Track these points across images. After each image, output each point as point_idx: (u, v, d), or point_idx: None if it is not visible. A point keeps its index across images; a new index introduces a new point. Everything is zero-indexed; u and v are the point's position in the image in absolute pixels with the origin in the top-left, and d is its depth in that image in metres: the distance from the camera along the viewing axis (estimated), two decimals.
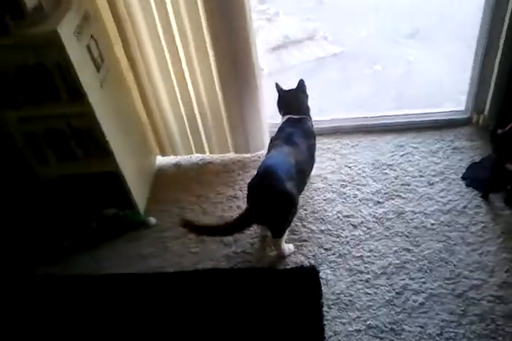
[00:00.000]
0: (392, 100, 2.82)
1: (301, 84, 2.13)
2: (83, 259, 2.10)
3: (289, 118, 2.09)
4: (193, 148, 2.39)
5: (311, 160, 2.09)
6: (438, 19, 3.35)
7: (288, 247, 1.99)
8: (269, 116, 2.38)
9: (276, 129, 2.10)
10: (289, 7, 3.85)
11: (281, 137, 2.02)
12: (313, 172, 2.27)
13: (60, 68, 1.75)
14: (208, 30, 2.00)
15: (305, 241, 2.04)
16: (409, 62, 3.17)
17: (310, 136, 2.08)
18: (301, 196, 2.17)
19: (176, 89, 2.18)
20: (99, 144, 1.94)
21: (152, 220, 2.19)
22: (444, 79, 2.88)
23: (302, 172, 1.96)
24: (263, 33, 3.60)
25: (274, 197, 1.82)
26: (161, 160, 2.50)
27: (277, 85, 2.14)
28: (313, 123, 2.38)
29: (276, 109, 2.19)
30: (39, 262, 2.11)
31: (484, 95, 2.23)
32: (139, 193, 2.21)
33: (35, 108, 1.87)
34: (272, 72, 3.17)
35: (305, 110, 2.14)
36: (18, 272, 2.09)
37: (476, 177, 2.14)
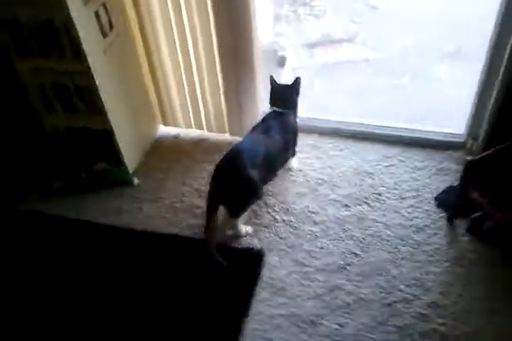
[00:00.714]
0: (406, 113, 2.84)
1: (296, 81, 2.23)
2: (66, 203, 2.34)
3: (274, 110, 2.20)
4: (193, 123, 2.55)
5: (284, 154, 2.19)
6: (484, 41, 3.31)
7: (246, 228, 2.13)
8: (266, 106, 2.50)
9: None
10: (339, 7, 3.89)
11: (260, 126, 2.14)
12: (297, 166, 2.40)
13: (66, 28, 1.94)
14: (211, 7, 2.11)
15: (265, 227, 2.17)
16: (440, 79, 3.15)
17: (289, 130, 2.18)
18: (277, 186, 2.31)
19: (181, 63, 2.34)
20: (97, 102, 2.14)
21: (135, 181, 2.39)
22: (463, 101, 2.87)
23: (271, 163, 2.08)
24: (306, 28, 3.68)
25: (233, 179, 1.96)
26: (162, 129, 2.68)
27: (272, 78, 2.25)
28: (316, 120, 2.50)
29: None
30: (27, 198, 2.37)
31: (480, 122, 2.23)
32: (130, 154, 2.40)
33: (45, 60, 2.09)
34: (299, 67, 3.26)
35: (292, 106, 2.24)
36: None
37: (448, 201, 2.17)
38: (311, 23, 3.77)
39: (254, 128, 2.18)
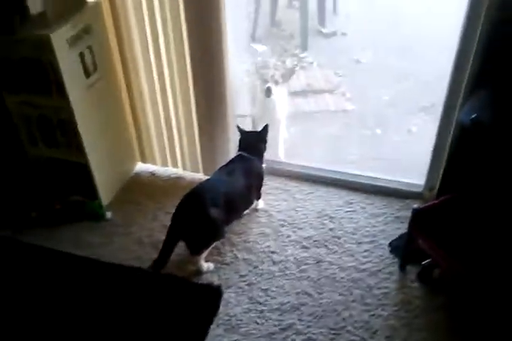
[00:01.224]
0: (373, 162, 2.98)
1: (265, 129, 2.40)
2: (41, 233, 2.44)
3: (240, 154, 2.35)
4: (169, 162, 2.71)
5: (247, 197, 2.33)
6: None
7: (208, 265, 2.23)
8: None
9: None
10: (325, 60, 4.13)
11: (225, 168, 2.29)
12: (262, 207, 2.52)
13: (52, 67, 2.12)
14: (189, 56, 2.30)
15: (226, 264, 2.27)
16: (411, 132, 3.32)
17: (253, 174, 2.33)
18: (242, 226, 2.44)
19: (160, 104, 2.52)
20: (76, 137, 2.30)
21: (109, 215, 2.51)
22: (429, 154, 3.01)
23: (233, 203, 2.21)
24: (291, 78, 3.89)
25: (193, 216, 2.08)
26: (140, 165, 2.83)
27: (238, 127, 2.43)
28: (285, 164, 2.64)
29: None
30: (4, 225, 2.48)
31: (437, 174, 2.38)
32: (106, 188, 2.54)
33: (31, 96, 2.28)
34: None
35: (259, 152, 2.40)
36: None
37: (400, 247, 2.28)
38: (297, 73, 3.99)
39: (219, 170, 2.32)
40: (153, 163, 2.78)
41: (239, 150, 2.38)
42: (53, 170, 2.56)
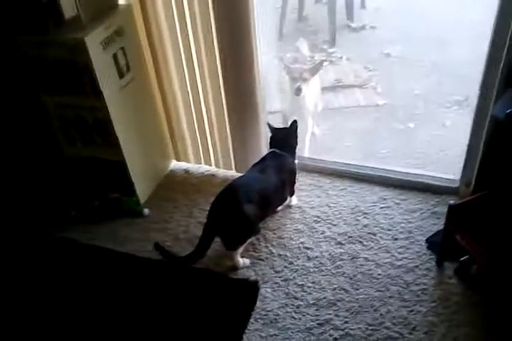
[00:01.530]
0: (408, 157, 2.96)
1: (293, 125, 2.41)
2: (80, 229, 2.51)
3: (273, 151, 2.36)
4: (202, 160, 2.74)
5: (280, 193, 2.34)
6: None
7: (243, 261, 2.25)
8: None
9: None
10: (354, 54, 4.11)
11: (258, 165, 2.30)
12: (296, 203, 2.53)
13: (87, 68, 2.17)
14: (219, 54, 2.32)
15: (261, 260, 2.29)
16: (444, 126, 3.28)
17: (285, 171, 2.34)
18: (276, 222, 2.45)
19: (192, 103, 2.55)
20: (112, 136, 2.35)
21: (146, 211, 2.56)
22: (464, 149, 2.97)
23: (266, 200, 2.23)
24: (320, 73, 3.87)
25: (228, 213, 2.11)
26: (175, 163, 2.87)
27: (269, 124, 2.44)
28: (318, 161, 2.64)
29: None
30: (49, 224, 2.57)
31: (472, 170, 2.35)
32: (143, 186, 2.59)
33: (67, 97, 2.34)
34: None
35: (290, 148, 2.40)
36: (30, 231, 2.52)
37: (438, 243, 2.26)
38: (326, 69, 3.98)
39: (252, 167, 2.34)
40: (187, 160, 2.82)
41: (271, 147, 2.40)
42: (91, 169, 2.62)
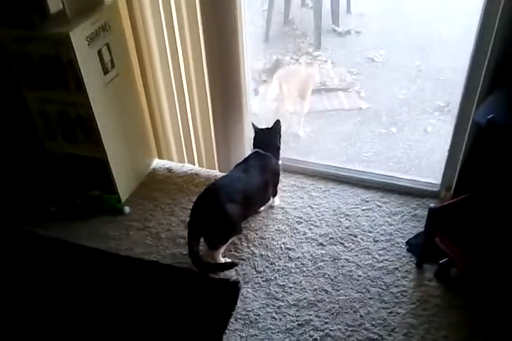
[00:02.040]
0: (389, 161, 2.99)
1: (277, 124, 2.42)
2: (60, 226, 2.47)
3: (256, 151, 2.36)
4: (185, 158, 2.72)
5: (263, 193, 2.34)
6: None
7: (225, 260, 2.24)
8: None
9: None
10: (339, 58, 4.14)
11: (242, 165, 2.30)
12: (278, 204, 2.53)
13: (71, 63, 2.14)
14: (205, 53, 2.32)
15: (243, 260, 2.28)
16: (426, 132, 3.32)
17: (268, 171, 2.34)
18: (258, 222, 2.45)
19: (176, 101, 2.54)
20: (94, 133, 2.31)
21: (127, 209, 2.53)
22: (445, 154, 3.01)
23: (249, 200, 2.23)
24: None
25: (210, 212, 2.10)
26: (157, 161, 2.85)
27: (253, 125, 2.44)
28: (301, 162, 2.66)
29: None
30: (25, 220, 2.52)
31: (453, 174, 2.37)
32: (124, 184, 2.56)
33: (51, 92, 2.30)
34: (293, 112, 3.45)
35: (273, 148, 2.41)
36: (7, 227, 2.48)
37: (418, 246, 2.28)
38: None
39: (236, 167, 2.34)
40: (170, 159, 2.80)
41: (254, 148, 2.40)
42: (73, 166, 2.58)
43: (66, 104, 2.35)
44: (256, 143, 2.42)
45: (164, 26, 2.32)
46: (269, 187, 2.36)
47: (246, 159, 2.37)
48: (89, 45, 2.17)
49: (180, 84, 2.47)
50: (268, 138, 2.40)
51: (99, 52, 2.26)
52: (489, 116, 1.77)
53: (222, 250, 2.21)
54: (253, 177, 2.26)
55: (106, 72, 2.31)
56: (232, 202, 2.14)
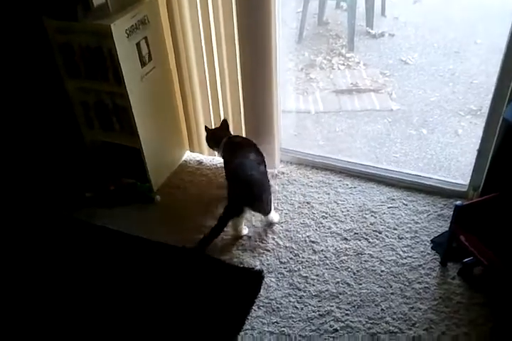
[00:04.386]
0: (419, 161, 2.99)
1: (224, 123, 2.55)
2: (94, 211, 2.59)
3: (229, 138, 2.50)
4: (216, 152, 2.78)
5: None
6: None
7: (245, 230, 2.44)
8: (284, 142, 2.80)
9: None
10: (372, 60, 4.16)
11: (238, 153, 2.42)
12: (304, 199, 2.57)
13: (111, 55, 2.24)
14: (239, 51, 2.39)
15: (268, 250, 2.34)
16: (457, 134, 3.30)
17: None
18: (284, 215, 2.52)
19: (209, 95, 2.62)
20: (130, 122, 2.40)
21: (158, 198, 2.62)
22: (474, 156, 3.00)
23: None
24: (337, 76, 3.94)
25: (259, 185, 2.32)
26: (189, 154, 2.93)
27: (206, 127, 2.60)
28: (329, 159, 2.79)
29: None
30: (64, 205, 2.65)
31: (481, 175, 2.38)
32: (156, 173, 2.65)
33: (90, 81, 2.41)
34: (324, 112, 3.50)
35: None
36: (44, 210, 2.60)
37: (443, 244, 2.29)
38: (342, 72, 4.04)
39: (231, 154, 2.45)
40: (201, 152, 2.88)
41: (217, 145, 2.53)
42: (108, 154, 2.68)
43: (104, 94, 2.45)
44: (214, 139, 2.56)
45: (201, 23, 2.40)
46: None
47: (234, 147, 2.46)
48: (128, 37, 2.26)
49: (214, 79, 2.55)
50: (222, 134, 2.54)
51: (138, 45, 2.34)
52: None
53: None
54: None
55: (143, 64, 2.40)
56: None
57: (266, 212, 2.40)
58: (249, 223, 2.46)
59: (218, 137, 2.53)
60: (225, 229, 2.31)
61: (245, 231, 2.41)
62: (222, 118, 2.63)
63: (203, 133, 2.75)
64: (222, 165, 2.56)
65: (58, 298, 2.17)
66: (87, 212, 2.58)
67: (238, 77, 2.49)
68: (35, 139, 2.78)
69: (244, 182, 2.29)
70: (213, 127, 2.66)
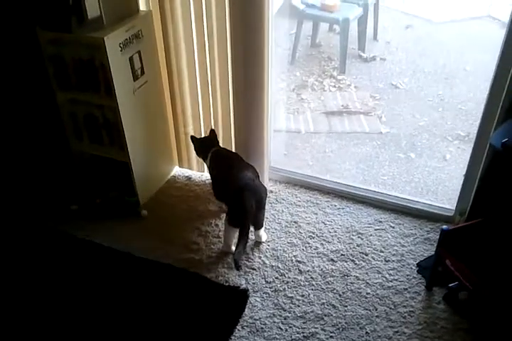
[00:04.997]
0: (406, 185, 3.01)
1: (212, 132, 2.54)
2: (81, 224, 2.55)
3: (216, 150, 2.48)
4: (205, 168, 2.77)
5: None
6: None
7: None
8: (273, 161, 2.80)
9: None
10: (362, 83, 4.22)
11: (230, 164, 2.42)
12: (291, 218, 2.57)
13: (103, 68, 2.24)
14: (231, 69, 2.40)
15: (254, 269, 2.31)
16: (445, 159, 3.34)
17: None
18: (271, 234, 2.50)
19: (201, 112, 2.63)
20: (120, 136, 2.40)
21: (145, 213, 2.59)
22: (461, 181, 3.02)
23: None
24: (328, 98, 3.98)
25: (259, 185, 2.36)
26: (178, 169, 2.92)
27: (192, 136, 2.56)
28: (318, 179, 2.79)
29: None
30: (49, 217, 2.61)
31: (468, 200, 2.39)
32: (144, 188, 2.63)
33: (81, 94, 2.40)
34: (314, 133, 3.52)
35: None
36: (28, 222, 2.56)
37: (429, 268, 2.28)
38: (333, 94, 4.08)
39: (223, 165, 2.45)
40: (190, 167, 2.87)
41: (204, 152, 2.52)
42: (96, 166, 2.66)
43: (95, 106, 2.44)
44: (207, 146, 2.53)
45: (195, 39, 2.41)
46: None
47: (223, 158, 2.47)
48: (121, 51, 2.27)
49: (206, 97, 2.56)
50: (210, 143, 2.53)
51: (131, 59, 2.35)
52: (504, 140, 1.80)
53: None
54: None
55: (136, 78, 2.40)
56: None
57: (261, 223, 2.40)
58: (235, 240, 2.43)
59: (206, 146, 2.52)
60: (213, 246, 2.32)
61: (233, 247, 2.37)
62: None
63: (193, 149, 2.75)
64: (211, 181, 2.57)
65: (35, 310, 2.12)
66: (71, 224, 2.54)
67: (230, 95, 2.50)
68: (23, 149, 2.75)
69: (254, 188, 2.30)
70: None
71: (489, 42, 3.95)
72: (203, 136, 2.68)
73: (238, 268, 2.23)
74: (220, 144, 2.58)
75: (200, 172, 2.87)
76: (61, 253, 2.39)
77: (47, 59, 2.36)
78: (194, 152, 2.73)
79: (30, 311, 2.13)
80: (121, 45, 2.26)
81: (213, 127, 2.64)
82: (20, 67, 2.60)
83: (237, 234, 2.25)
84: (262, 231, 2.43)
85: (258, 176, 2.42)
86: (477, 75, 4.20)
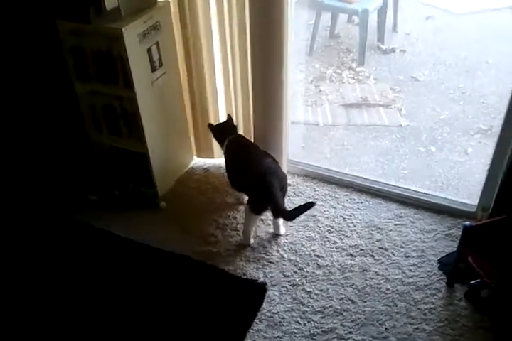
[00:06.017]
0: (427, 179, 2.96)
1: (229, 118, 2.52)
2: (97, 214, 2.56)
3: (233, 138, 2.46)
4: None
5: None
6: None
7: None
8: (291, 154, 2.77)
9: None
10: (382, 75, 4.15)
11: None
12: (310, 212, 2.52)
13: (121, 59, 2.22)
14: (251, 60, 2.37)
15: (272, 263, 2.30)
16: (466, 153, 3.28)
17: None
18: (289, 228, 2.48)
19: (219, 104, 2.61)
20: (138, 127, 2.39)
21: (163, 204, 2.59)
22: (484, 176, 2.96)
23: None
24: (346, 90, 3.93)
25: (281, 172, 2.36)
26: (196, 161, 2.91)
27: (209, 124, 2.56)
28: (337, 172, 2.75)
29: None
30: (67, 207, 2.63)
31: (491, 195, 2.34)
32: (162, 180, 2.62)
33: (100, 85, 2.39)
34: (333, 125, 3.49)
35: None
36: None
37: (450, 264, 2.25)
38: (352, 86, 4.02)
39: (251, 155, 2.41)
40: (209, 157, 2.85)
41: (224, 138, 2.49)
42: (115, 158, 2.66)
43: (113, 98, 2.43)
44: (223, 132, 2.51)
45: (214, 31, 2.38)
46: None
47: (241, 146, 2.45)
48: (139, 42, 2.24)
49: (226, 88, 2.53)
50: (226, 130, 2.51)
51: (149, 50, 2.32)
52: None
53: None
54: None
55: (154, 69, 2.38)
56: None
57: (282, 207, 2.26)
58: (254, 233, 2.43)
59: (223, 133, 2.50)
60: (231, 238, 2.31)
61: (252, 240, 2.38)
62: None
63: (212, 141, 2.73)
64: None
65: (53, 300, 2.14)
66: (89, 214, 2.55)
67: (249, 86, 2.47)
68: (42, 140, 2.75)
69: (276, 173, 2.28)
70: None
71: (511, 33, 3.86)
72: None
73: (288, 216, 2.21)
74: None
75: (218, 162, 2.84)
76: (78, 242, 2.40)
77: (66, 50, 2.35)
78: (214, 139, 2.73)
79: (48, 300, 2.14)
80: (140, 36, 2.24)
81: (233, 117, 2.61)
82: (39, 59, 2.59)
83: (256, 225, 2.23)
84: (281, 222, 2.40)
85: (278, 163, 2.39)
86: (499, 68, 4.10)
